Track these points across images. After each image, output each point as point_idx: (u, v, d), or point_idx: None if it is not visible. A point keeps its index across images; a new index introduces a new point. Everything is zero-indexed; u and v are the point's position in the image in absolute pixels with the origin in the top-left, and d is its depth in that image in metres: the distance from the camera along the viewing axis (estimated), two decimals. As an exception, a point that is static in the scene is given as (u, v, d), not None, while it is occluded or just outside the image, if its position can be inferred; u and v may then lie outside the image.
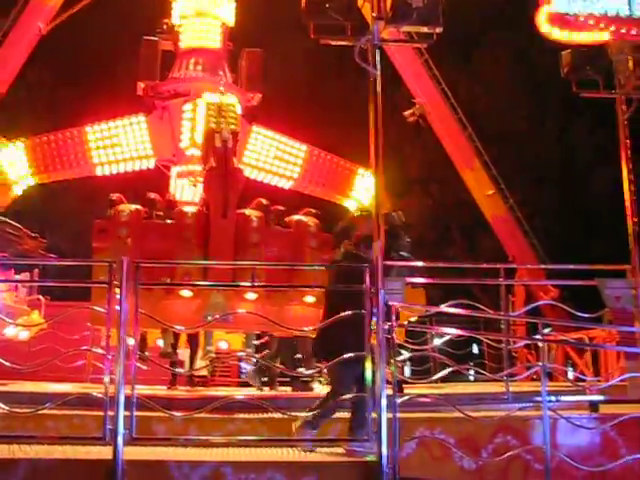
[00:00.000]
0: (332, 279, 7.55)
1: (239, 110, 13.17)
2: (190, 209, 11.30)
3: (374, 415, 6.47)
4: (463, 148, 20.50)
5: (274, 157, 15.50)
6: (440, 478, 7.01)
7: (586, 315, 9.67)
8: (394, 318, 6.85)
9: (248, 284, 8.45)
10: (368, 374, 6.64)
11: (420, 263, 10.68)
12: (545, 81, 23.16)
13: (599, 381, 11.62)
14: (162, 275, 9.90)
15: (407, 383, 9.50)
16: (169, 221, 11.05)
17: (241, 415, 7.98)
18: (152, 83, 16.62)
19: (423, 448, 7.46)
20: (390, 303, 6.83)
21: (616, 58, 10.25)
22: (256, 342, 11.65)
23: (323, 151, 15.74)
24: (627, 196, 9.76)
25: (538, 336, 8.06)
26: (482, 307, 10.42)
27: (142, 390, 6.38)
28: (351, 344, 6.76)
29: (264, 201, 11.44)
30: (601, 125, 21.74)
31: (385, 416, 6.10)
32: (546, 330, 13.59)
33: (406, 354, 9.58)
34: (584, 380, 12.46)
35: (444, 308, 9.24)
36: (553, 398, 8.82)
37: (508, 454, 7.34)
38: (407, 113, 20.19)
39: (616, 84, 10.24)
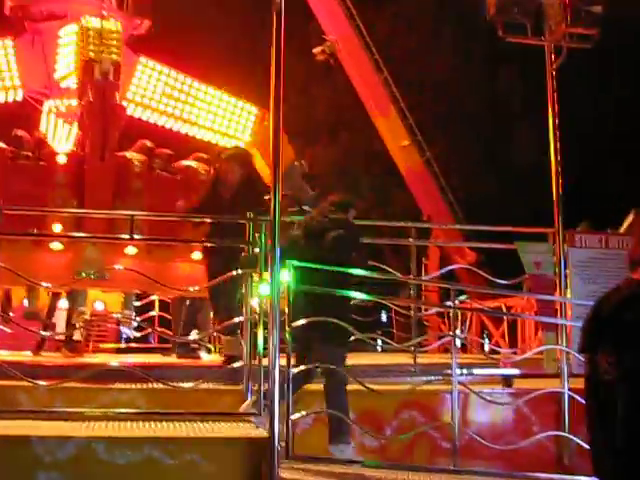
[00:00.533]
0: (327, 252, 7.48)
1: (123, 38, 12.88)
2: (63, 150, 11.07)
3: (266, 387, 6.50)
4: (377, 93, 20.57)
5: (162, 94, 15.21)
6: (339, 456, 7.11)
7: (504, 282, 9.90)
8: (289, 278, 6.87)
9: (127, 237, 8.32)
10: (259, 341, 6.67)
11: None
12: (471, 26, 23.42)
13: (515, 353, 11.95)
14: (29, 225, 9.67)
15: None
16: (39, 163, 10.80)
17: (117, 385, 7.91)
18: (22, 2, 16.05)
19: (321, 424, 7.56)
20: (287, 262, 6.84)
21: (546, 1, 10.36)
22: (137, 303, 11.57)
23: (219, 89, 15.53)
24: (553, 153, 9.96)
25: (449, 303, 8.20)
26: (390, 270, 10.58)
27: (4, 356, 6.28)
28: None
29: (148, 143, 11.29)
30: (528, 75, 22.16)
31: (277, 388, 6.13)
32: (461, 297, 13.88)
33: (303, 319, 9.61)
34: (499, 352, 12.79)
35: (350, 269, 9.31)
36: (464, 371, 9.07)
37: (414, 431, 7.50)
38: (316, 50, 20.08)
39: (545, 30, 10.35)
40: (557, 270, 9.57)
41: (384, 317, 18.11)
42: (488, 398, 8.11)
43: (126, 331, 13.64)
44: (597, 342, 3.12)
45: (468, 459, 7.57)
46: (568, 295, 9.41)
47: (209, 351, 11.45)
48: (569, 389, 8.17)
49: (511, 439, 8.06)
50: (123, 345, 13.92)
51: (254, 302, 7.47)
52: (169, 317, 11.70)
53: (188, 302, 10.59)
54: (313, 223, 7.74)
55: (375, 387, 7.66)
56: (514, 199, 25.53)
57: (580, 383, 3.82)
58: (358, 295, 7.85)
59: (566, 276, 9.50)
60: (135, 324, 11.76)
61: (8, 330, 9.86)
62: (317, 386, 7.69)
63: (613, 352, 3.03)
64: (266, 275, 6.81)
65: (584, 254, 9.75)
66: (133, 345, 13.60)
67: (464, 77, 27.03)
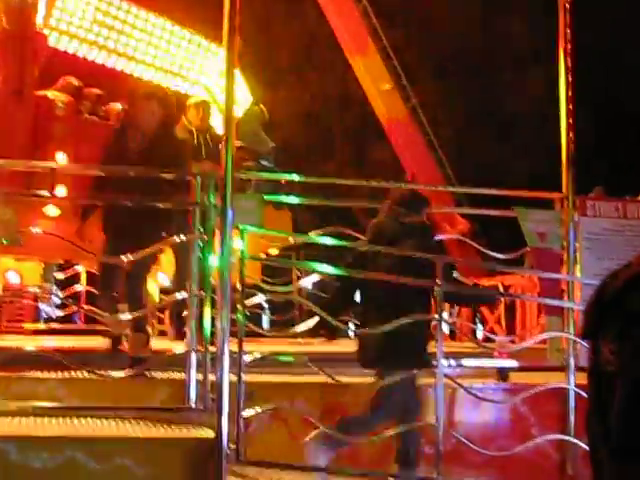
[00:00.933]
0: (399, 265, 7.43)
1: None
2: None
3: (212, 378, 6.50)
4: (354, 26, 20.47)
5: (94, 21, 15.04)
6: (299, 462, 7.13)
7: (501, 256, 9.93)
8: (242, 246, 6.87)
9: (47, 194, 8.22)
10: (206, 322, 6.66)
11: (288, 176, 10.68)
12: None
13: (512, 342, 12.03)
14: None
15: (262, 336, 9.57)
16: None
17: (33, 373, 7.87)
18: None
19: (279, 422, 7.58)
20: (240, 226, 6.82)
21: None
22: (59, 275, 11.51)
23: (162, 16, 15.38)
24: (563, 103, 9.94)
25: (437, 280, 8.21)
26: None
27: None
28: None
29: (75, 81, 11.19)
30: (537, 11, 22.18)
31: (227, 379, 6.13)
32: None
33: (261, 297, 9.63)
34: (494, 340, 12.88)
35: (315, 237, 9.31)
36: (451, 362, 9.10)
37: (389, 432, 7.52)
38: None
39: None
40: (565, 243, 9.59)
41: (358, 296, 18.15)
42: (479, 395, 8.15)
43: (46, 309, 13.59)
44: (599, 327, 3.12)
45: (454, 466, 7.63)
46: (577, 273, 9.44)
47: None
48: (576, 385, 8.23)
49: (506, 443, 8.11)
50: (42, 326, 13.86)
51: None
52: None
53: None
54: (385, 228, 7.67)
55: (342, 379, 7.68)
56: (515, 158, 25.65)
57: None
58: (326, 269, 7.85)
59: (575, 250, 9.52)
60: (57, 300, 11.69)
61: None
62: (274, 377, 7.70)
63: (616, 339, 3.02)
64: (215, 243, 6.79)
65: (597, 224, 9.77)
66: (54, 326, 13.54)
67: (461, 10, 27.00)
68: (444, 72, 26.79)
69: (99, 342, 10.59)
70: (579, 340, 8.32)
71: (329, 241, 8.37)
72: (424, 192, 17.61)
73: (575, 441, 8.12)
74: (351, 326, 9.94)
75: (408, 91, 20.62)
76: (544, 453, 8.30)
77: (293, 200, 10.54)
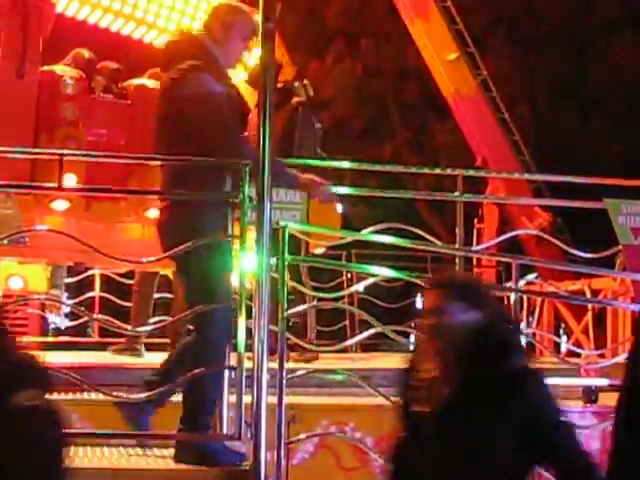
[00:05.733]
0: None
1: None
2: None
3: (247, 400, 6.50)
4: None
5: (108, -17, 15.16)
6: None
7: (589, 255, 9.88)
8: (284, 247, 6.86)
9: (55, 185, 8.25)
10: (240, 334, 6.66)
11: (338, 163, 10.68)
12: None
13: (602, 356, 11.95)
14: None
15: (305, 350, 9.60)
16: None
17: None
18: None
19: (326, 451, 7.57)
20: (281, 223, 6.82)
21: None
22: (68, 280, 11.56)
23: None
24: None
25: (511, 284, 8.18)
26: (429, 237, 10.57)
27: None
28: None
29: (87, 54, 11.21)
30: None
31: (265, 400, 6.13)
32: (529, 277, 13.85)
33: (306, 305, 9.65)
34: (580, 355, 12.81)
35: (370, 236, 9.30)
36: (530, 380, 9.04)
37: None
38: None
39: None
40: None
41: (419, 302, 18.13)
42: (563, 419, 8.09)
43: (54, 319, 13.68)
44: None
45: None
46: (679, 275, 9.39)
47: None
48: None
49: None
50: (50, 338, 13.96)
51: (233, 280, 7.45)
52: (115, 300, 11.75)
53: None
54: None
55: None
56: (605, 139, 25.46)
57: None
58: (384, 271, 7.84)
59: (677, 249, 9.46)
60: (66, 309, 11.75)
61: None
62: (320, 399, 7.69)
63: None
64: (250, 243, 6.79)
65: None
66: (64, 339, 13.64)
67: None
68: (520, 38, 26.65)
69: (116, 358, 10.68)
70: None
71: (386, 239, 8.34)
72: (497, 181, 17.71)
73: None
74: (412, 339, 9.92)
75: (477, 61, 20.53)
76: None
77: (343, 191, 10.54)
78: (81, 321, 13.06)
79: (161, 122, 7.46)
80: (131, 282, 11.30)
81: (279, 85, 10.94)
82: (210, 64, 7.31)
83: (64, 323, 13.02)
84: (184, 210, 7.13)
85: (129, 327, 10.64)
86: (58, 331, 13.98)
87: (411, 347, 10.78)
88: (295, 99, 11.11)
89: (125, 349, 10.65)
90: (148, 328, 10.55)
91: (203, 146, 7.09)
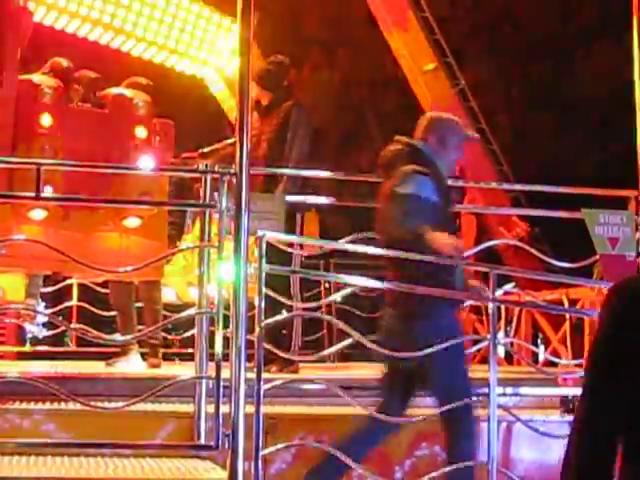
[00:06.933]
0: None
1: None
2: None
3: (225, 410, 6.50)
4: (392, -4, 20.50)
5: (87, -8, 15.16)
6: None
7: (566, 265, 9.90)
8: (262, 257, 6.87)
9: (32, 195, 8.26)
10: (217, 344, 6.66)
11: (314, 173, 10.68)
12: None
13: (579, 366, 11.97)
14: None
15: (286, 362, 9.60)
16: None
17: (17, 405, 7.90)
18: None
19: (304, 461, 7.56)
20: (259, 233, 6.83)
21: None
22: (44, 289, 11.52)
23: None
24: (638, 83, 9.91)
25: (488, 294, 8.18)
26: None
27: None
28: None
29: (65, 62, 11.20)
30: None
31: (242, 410, 6.13)
32: (506, 286, 13.86)
33: (284, 314, 9.64)
34: (557, 364, 12.83)
35: (348, 245, 9.31)
36: (507, 390, 9.07)
37: (434, 474, 7.50)
38: None
39: None
40: (640, 248, 9.58)
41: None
42: (540, 429, 8.11)
43: (31, 328, 13.64)
44: None
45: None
46: (656, 285, 9.41)
47: (143, 356, 11.43)
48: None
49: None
50: (27, 348, 13.92)
51: (211, 289, 7.45)
52: (92, 309, 11.70)
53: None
54: None
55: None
56: (582, 149, 25.55)
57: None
58: (361, 281, 7.86)
59: (654, 258, 9.50)
60: (44, 319, 11.72)
61: None
62: (299, 408, 7.69)
63: None
64: (228, 251, 6.80)
65: (680, 227, 9.76)
66: (41, 348, 13.60)
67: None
68: (497, 48, 26.74)
69: (93, 367, 10.66)
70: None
71: (363, 249, 8.34)
72: (475, 190, 17.76)
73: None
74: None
75: (454, 71, 20.57)
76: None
77: (321, 200, 10.55)
78: (59, 330, 13.01)
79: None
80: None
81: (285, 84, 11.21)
82: (431, 170, 7.76)
83: (42, 333, 12.98)
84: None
85: (106, 336, 10.62)
86: (36, 340, 13.94)
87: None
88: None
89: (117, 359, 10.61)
90: (129, 337, 10.54)
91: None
